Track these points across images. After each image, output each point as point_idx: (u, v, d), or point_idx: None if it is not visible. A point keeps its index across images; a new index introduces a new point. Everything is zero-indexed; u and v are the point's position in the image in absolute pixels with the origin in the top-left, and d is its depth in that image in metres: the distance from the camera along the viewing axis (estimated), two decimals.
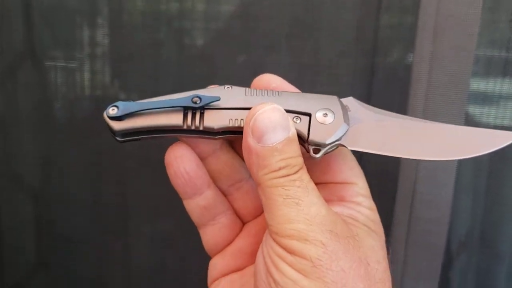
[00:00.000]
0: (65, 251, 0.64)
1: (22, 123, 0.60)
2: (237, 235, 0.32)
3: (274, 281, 0.24)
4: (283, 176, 0.24)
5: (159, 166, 0.59)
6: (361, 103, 0.29)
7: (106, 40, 0.55)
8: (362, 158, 0.34)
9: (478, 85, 0.52)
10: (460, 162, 0.50)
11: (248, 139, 0.25)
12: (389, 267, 0.27)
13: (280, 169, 0.24)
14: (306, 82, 0.51)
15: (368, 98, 0.53)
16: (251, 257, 0.29)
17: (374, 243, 0.26)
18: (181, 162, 0.30)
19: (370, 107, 0.28)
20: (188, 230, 0.61)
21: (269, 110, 0.25)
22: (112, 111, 0.28)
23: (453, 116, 0.50)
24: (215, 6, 0.52)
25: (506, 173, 0.54)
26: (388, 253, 0.27)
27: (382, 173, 0.54)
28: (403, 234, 0.53)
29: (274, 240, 0.24)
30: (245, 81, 0.55)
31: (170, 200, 0.60)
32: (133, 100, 0.28)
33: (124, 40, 0.55)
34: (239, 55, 0.53)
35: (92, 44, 0.56)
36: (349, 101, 0.28)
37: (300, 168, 0.25)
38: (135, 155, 0.58)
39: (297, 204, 0.24)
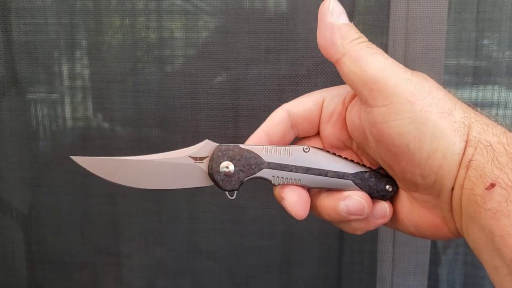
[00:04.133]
0: (57, 273, 0.64)
1: (6, 149, 0.60)
2: None
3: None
4: (363, 42, 0.31)
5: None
6: None
7: (86, 71, 0.56)
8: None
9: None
10: None
11: (329, 19, 0.31)
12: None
13: (359, 37, 0.31)
14: (287, 91, 0.52)
15: None
16: None
17: None
18: None
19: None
20: (178, 249, 0.62)
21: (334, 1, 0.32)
22: None
23: None
24: (194, 33, 0.53)
25: None
26: None
27: None
28: (391, 232, 0.54)
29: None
30: (226, 96, 0.56)
31: (161, 219, 0.61)
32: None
33: (104, 71, 0.56)
34: (219, 70, 0.54)
35: (72, 76, 0.56)
36: None
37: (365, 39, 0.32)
38: None
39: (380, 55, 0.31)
